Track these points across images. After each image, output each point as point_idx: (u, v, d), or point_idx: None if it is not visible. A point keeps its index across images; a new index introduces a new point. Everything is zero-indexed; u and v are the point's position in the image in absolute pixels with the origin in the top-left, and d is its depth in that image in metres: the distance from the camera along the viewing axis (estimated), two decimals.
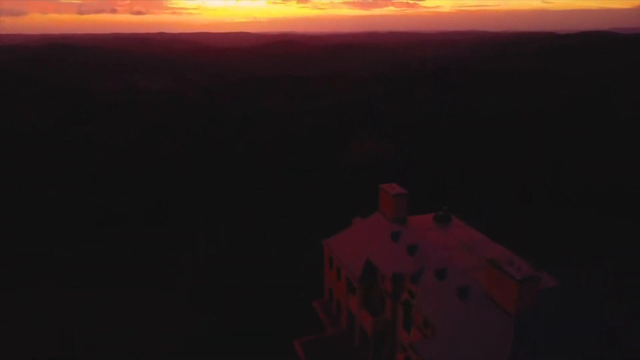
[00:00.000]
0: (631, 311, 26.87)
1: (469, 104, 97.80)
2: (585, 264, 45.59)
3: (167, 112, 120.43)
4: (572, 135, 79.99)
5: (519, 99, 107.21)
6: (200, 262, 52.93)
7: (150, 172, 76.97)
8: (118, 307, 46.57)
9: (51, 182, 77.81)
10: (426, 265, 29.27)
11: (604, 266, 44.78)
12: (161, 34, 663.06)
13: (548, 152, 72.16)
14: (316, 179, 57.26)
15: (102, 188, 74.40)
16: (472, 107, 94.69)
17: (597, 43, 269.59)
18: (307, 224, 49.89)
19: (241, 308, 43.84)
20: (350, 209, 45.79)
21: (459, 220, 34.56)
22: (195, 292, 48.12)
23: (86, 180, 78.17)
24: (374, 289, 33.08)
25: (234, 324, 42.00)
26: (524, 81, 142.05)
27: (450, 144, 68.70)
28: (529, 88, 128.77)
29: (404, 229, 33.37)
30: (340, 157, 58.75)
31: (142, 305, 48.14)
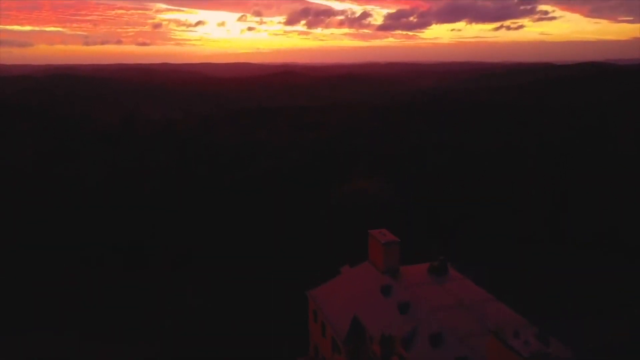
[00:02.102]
0: None
1: (468, 137, 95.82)
2: (597, 315, 41.77)
3: (164, 143, 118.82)
4: (572, 169, 77.39)
5: (518, 132, 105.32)
6: (182, 309, 49.16)
7: (139, 206, 74.08)
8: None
9: (34, 217, 74.83)
10: (419, 327, 25.77)
11: (617, 319, 41.01)
12: (164, 64, 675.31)
13: (548, 187, 69.26)
14: (307, 219, 54.23)
15: (88, 223, 71.33)
16: (471, 141, 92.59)
17: (594, 74, 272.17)
18: (295, 268, 46.45)
19: None
20: (341, 252, 42.54)
21: (457, 272, 31.21)
22: (174, 344, 44.20)
23: (72, 215, 75.18)
24: (362, 349, 29.42)
25: None
26: (522, 113, 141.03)
27: (447, 180, 65.96)
28: (527, 120, 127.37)
29: (395, 282, 30.02)
30: (333, 194, 55.91)
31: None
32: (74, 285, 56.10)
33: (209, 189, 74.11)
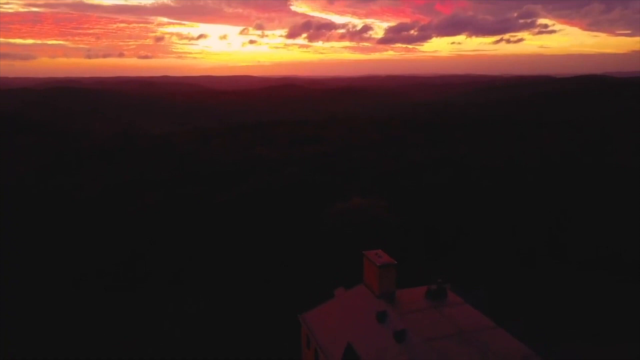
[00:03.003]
0: None
1: (467, 151, 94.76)
2: (601, 339, 40.19)
3: (162, 156, 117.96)
4: (572, 183, 76.22)
5: (518, 146, 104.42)
6: (172, 332, 47.57)
7: (137, 218, 72.78)
8: None
9: (31, 230, 73.55)
10: (416, 358, 24.37)
11: (622, 343, 39.41)
12: (165, 77, 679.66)
13: (549, 202, 67.91)
14: (302, 236, 52.80)
15: (86, 235, 69.97)
16: (470, 155, 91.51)
17: (592, 86, 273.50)
18: (289, 288, 44.94)
19: None
20: (337, 272, 41.19)
21: (456, 296, 29.87)
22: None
23: (69, 227, 73.88)
24: None
25: None
26: (522, 126, 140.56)
27: (446, 196, 64.67)
28: (527, 133, 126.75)
29: (391, 307, 28.66)
30: (329, 210, 54.59)
31: None
32: (73, 295, 54.98)
33: (206, 204, 72.96)
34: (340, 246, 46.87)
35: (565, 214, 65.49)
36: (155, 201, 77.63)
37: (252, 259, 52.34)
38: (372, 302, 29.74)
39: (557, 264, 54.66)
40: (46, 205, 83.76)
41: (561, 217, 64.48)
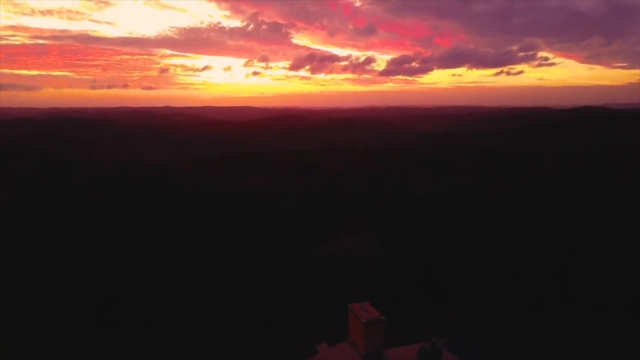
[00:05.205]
0: None
1: (467, 183, 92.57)
2: None
3: (159, 187, 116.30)
4: (575, 217, 73.50)
5: (519, 178, 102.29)
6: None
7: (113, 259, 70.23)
8: None
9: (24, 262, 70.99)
10: None
11: None
12: (167, 107, 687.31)
13: (553, 242, 64.89)
14: (288, 279, 49.74)
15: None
16: (471, 187, 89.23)
17: (591, 118, 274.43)
18: (268, 343, 41.53)
19: None
20: (320, 323, 38.00)
21: (452, 356, 26.66)
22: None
23: (50, 264, 71.18)
24: None
25: None
26: (522, 157, 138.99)
27: (444, 234, 61.87)
28: (527, 164, 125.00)
29: None
30: (318, 251, 51.74)
31: None
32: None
33: (197, 239, 70.44)
34: (328, 292, 43.83)
35: (573, 250, 62.42)
36: (145, 229, 75.29)
37: (232, 299, 49.22)
38: None
39: (566, 307, 51.13)
40: (35, 234, 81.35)
41: (568, 254, 61.38)
